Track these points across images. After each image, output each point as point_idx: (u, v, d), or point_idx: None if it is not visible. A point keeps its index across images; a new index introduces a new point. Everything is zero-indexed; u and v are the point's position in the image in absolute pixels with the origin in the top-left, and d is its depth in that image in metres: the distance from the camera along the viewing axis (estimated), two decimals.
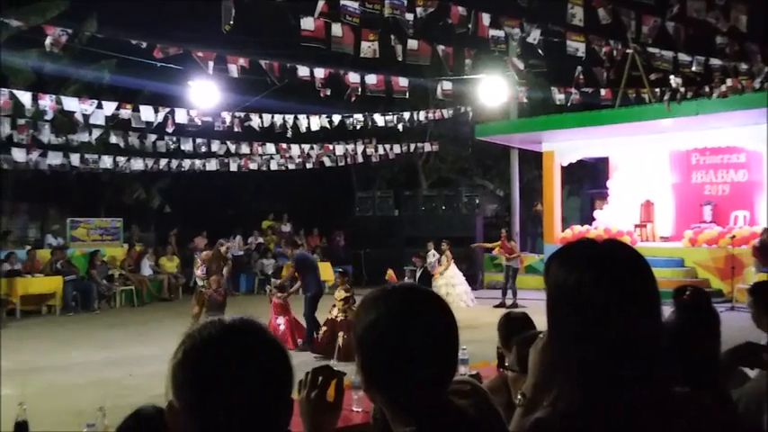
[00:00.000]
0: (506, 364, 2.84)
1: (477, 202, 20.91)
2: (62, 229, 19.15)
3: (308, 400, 1.48)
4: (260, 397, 1.18)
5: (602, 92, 17.15)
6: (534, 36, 12.20)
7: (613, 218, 19.63)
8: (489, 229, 21.18)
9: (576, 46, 12.48)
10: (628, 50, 15.35)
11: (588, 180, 25.85)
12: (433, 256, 15.40)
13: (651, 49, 14.01)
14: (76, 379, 8.95)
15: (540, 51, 13.00)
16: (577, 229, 19.38)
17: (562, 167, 19.88)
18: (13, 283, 15.17)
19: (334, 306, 10.19)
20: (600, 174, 22.46)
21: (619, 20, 11.95)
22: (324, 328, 10.04)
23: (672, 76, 15.64)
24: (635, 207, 19.49)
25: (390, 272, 12.94)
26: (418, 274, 13.66)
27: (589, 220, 21.30)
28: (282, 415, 1.23)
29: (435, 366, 1.44)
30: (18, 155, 16.46)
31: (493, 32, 11.96)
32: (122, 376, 9.02)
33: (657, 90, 17.45)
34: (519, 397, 1.81)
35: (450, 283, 15.28)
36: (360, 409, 4.06)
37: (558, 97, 17.04)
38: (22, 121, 15.59)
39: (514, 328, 3.62)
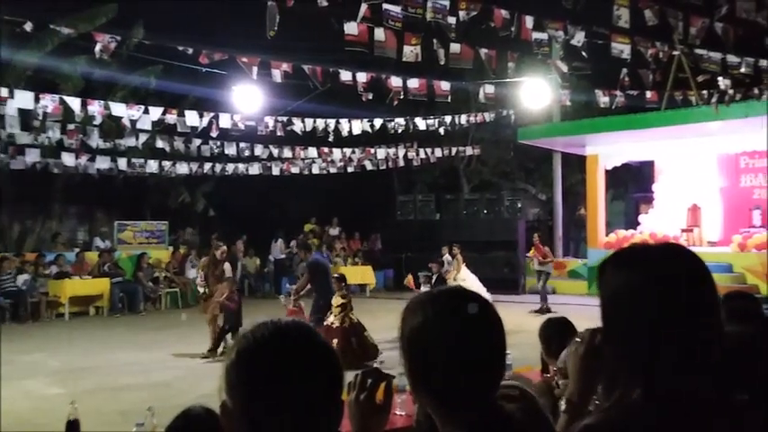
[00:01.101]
0: (554, 368, 2.82)
1: (519, 206, 20.70)
2: (109, 231, 19.54)
3: (356, 402, 1.49)
4: (311, 398, 1.20)
5: (648, 94, 16.84)
6: (578, 38, 12.04)
7: (659, 222, 19.26)
8: (531, 234, 20.98)
9: (622, 48, 12.30)
10: (674, 52, 15.08)
11: (633, 184, 25.48)
12: (447, 261, 15.25)
13: (699, 51, 13.74)
14: (123, 379, 9.11)
15: (583, 53, 12.84)
16: (622, 234, 19.09)
17: (606, 171, 19.62)
18: (62, 284, 15.53)
19: (331, 313, 9.85)
20: (645, 177, 22.10)
21: (666, 21, 11.75)
22: None
23: (720, 78, 15.30)
24: (681, 211, 19.09)
25: (409, 277, 12.76)
26: (434, 280, 13.47)
27: (634, 224, 20.95)
28: (332, 416, 1.24)
29: (483, 370, 1.43)
30: (67, 159, 16.78)
31: (536, 35, 11.83)
32: (169, 377, 9.15)
33: (705, 92, 17.10)
34: (564, 403, 1.79)
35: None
36: (403, 413, 4.05)
37: (603, 100, 16.79)
38: (71, 127, 15.93)
39: (555, 333, 3.60)
